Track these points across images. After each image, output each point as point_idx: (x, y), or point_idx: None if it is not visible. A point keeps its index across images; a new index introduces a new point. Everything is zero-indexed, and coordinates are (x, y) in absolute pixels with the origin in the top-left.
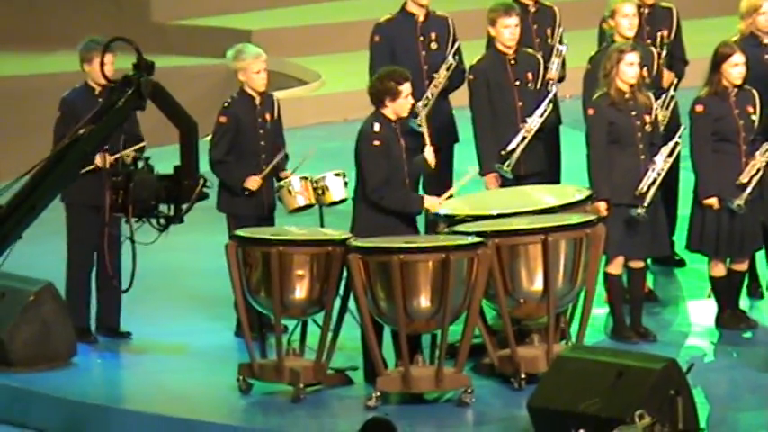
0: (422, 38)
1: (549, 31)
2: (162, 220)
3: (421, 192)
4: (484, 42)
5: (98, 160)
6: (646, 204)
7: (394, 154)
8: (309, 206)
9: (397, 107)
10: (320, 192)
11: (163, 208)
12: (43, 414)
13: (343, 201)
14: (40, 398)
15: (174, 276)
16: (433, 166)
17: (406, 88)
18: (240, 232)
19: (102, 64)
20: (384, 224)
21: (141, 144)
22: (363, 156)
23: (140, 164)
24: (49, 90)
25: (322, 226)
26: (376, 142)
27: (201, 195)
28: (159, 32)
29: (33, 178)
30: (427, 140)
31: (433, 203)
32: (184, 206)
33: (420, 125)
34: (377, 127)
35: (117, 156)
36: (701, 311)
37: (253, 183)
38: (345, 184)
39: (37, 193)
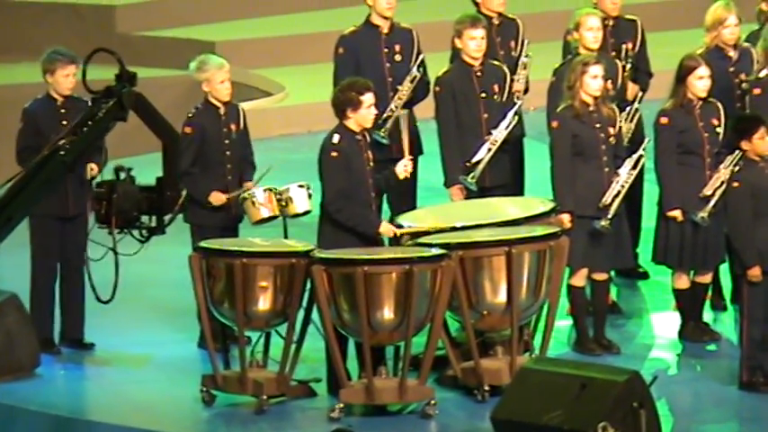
0: (386, 50)
1: (512, 44)
2: (144, 232)
3: (385, 205)
4: (448, 54)
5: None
6: (609, 216)
7: (355, 166)
8: (273, 218)
9: (360, 118)
10: (284, 203)
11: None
12: (6, 425)
13: (307, 212)
14: (3, 409)
15: (138, 287)
16: (401, 177)
17: (367, 98)
18: (204, 244)
19: (84, 75)
20: (348, 237)
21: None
22: (322, 167)
23: (122, 175)
24: (12, 101)
25: (286, 237)
26: (333, 153)
27: (184, 206)
28: (123, 44)
29: (11, 189)
30: (406, 151)
31: (388, 230)
32: (166, 217)
33: (384, 137)
34: (336, 138)
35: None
36: (664, 324)
37: (217, 199)
38: (309, 195)
39: (14, 203)
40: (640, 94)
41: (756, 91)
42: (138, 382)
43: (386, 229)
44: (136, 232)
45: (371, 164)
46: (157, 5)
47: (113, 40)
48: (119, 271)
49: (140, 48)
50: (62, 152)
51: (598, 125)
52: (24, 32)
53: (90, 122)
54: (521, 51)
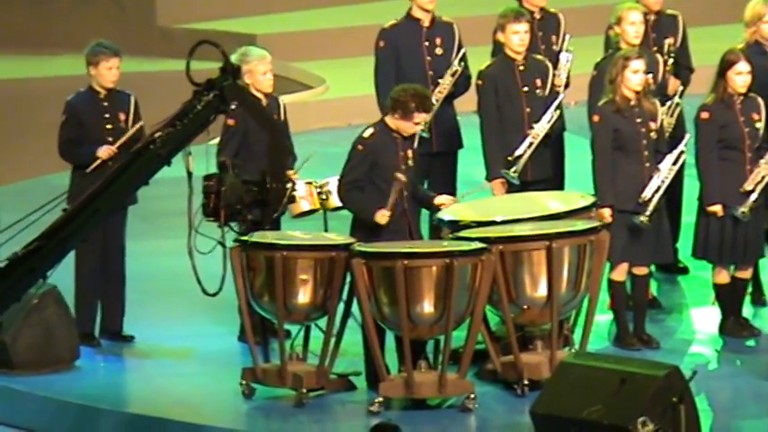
0: (427, 43)
1: (554, 38)
2: (249, 225)
3: None
4: (489, 48)
5: (102, 152)
6: (649, 212)
7: (384, 163)
8: (313, 211)
9: (403, 125)
10: (324, 196)
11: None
12: (46, 417)
13: None
14: (44, 401)
15: (177, 280)
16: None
17: (420, 117)
18: (244, 237)
19: (188, 67)
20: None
21: (140, 123)
22: (348, 155)
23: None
24: (51, 93)
25: (326, 231)
26: (360, 147)
27: (292, 199)
28: (164, 36)
29: (104, 181)
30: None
31: (381, 216)
32: (273, 211)
33: (424, 131)
34: (368, 132)
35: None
36: (704, 319)
37: None
38: None
39: (104, 195)
40: (681, 88)
41: None
42: (177, 375)
43: (380, 216)
44: (238, 225)
45: (410, 162)
46: None
47: (154, 32)
48: (226, 264)
49: (181, 40)
50: (157, 145)
51: (639, 120)
52: (65, 25)
53: (189, 115)
54: (562, 46)
